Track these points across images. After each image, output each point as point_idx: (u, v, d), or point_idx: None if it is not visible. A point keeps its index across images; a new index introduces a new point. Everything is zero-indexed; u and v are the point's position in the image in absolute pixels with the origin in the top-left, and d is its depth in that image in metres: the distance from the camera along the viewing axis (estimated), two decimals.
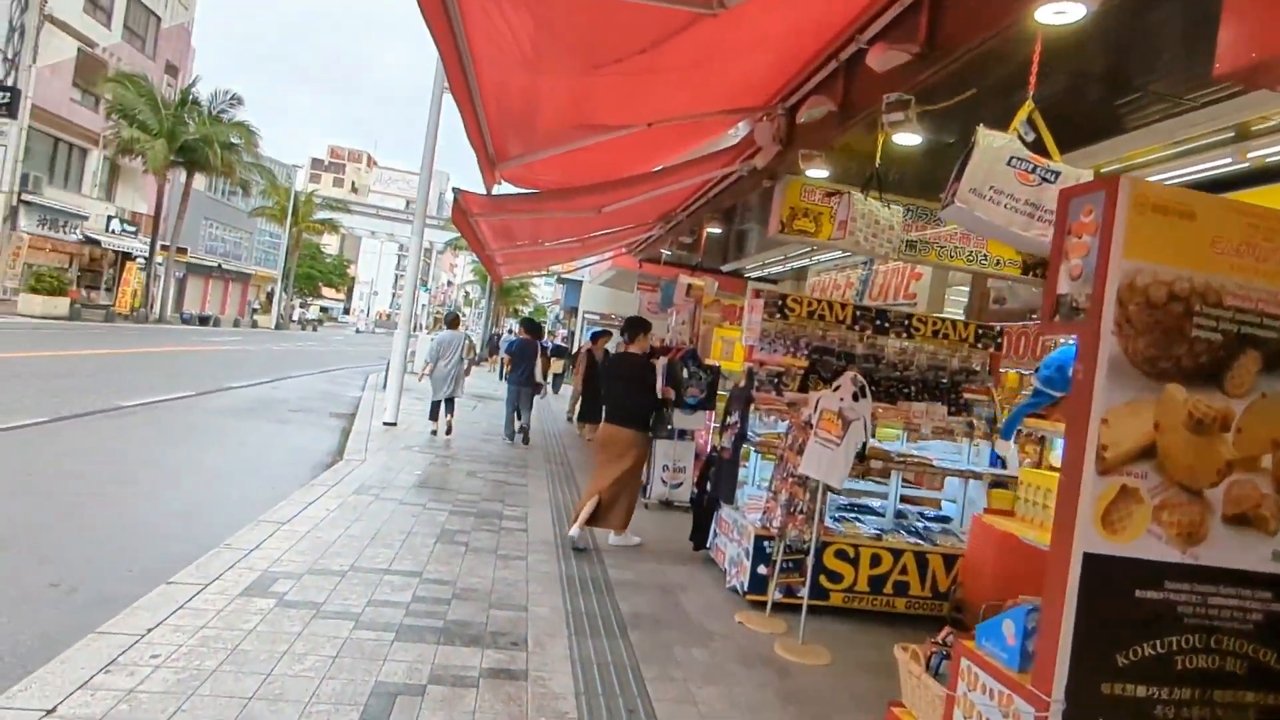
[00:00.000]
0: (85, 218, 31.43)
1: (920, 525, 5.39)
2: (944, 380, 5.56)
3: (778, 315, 5.41)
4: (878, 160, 5.20)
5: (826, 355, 5.38)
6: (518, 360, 11.06)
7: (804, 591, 4.38)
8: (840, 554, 4.80)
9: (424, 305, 77.60)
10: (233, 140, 30.62)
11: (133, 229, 33.71)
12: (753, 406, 5.16)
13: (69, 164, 31.56)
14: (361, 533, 5.27)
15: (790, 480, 4.43)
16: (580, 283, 30.64)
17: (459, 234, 43.44)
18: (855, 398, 4.07)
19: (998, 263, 7.89)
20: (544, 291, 63.15)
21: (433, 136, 10.88)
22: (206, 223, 44.44)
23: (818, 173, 6.59)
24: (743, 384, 5.30)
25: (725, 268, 16.56)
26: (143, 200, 33.49)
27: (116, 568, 4.54)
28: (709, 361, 7.56)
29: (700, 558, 5.76)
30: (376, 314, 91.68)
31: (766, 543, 4.72)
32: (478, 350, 15.41)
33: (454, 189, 6.99)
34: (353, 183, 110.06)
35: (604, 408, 6.17)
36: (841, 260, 11.87)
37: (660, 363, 7.44)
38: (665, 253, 13.14)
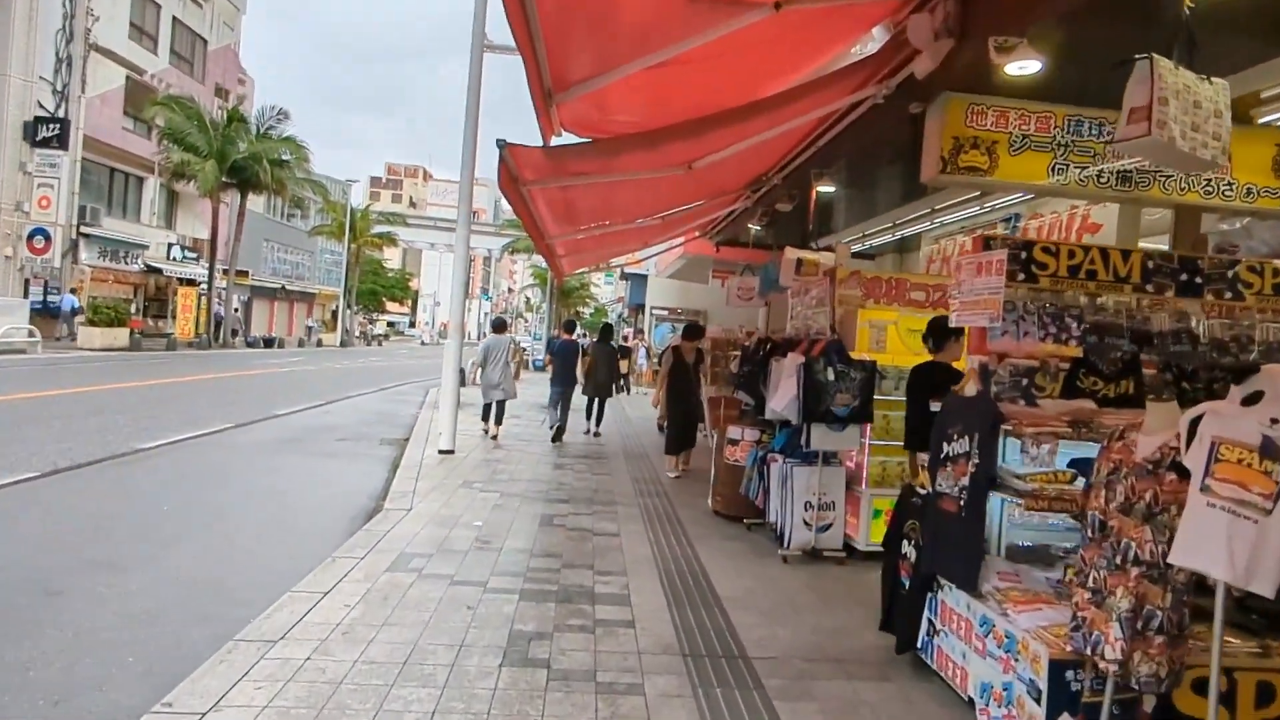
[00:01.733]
0: (146, 246, 31.21)
1: None
2: None
3: (1021, 276, 3.35)
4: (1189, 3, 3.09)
5: (1108, 337, 3.29)
6: (558, 361, 11.29)
7: None
8: (1199, 685, 2.71)
9: (486, 313, 77.27)
10: (283, 156, 29.83)
11: (194, 255, 33.46)
12: (1001, 429, 3.11)
13: (126, 193, 31.40)
14: (388, 658, 3.43)
15: (1136, 574, 2.38)
16: (645, 277, 28.75)
17: (514, 239, 42.15)
18: None
19: (1249, 192, 5.72)
20: (604, 291, 61.61)
21: (473, 115, 8.95)
22: (268, 245, 44.37)
23: (1023, 66, 4.54)
24: (975, 391, 3.25)
25: (819, 244, 14.39)
26: (203, 226, 33.15)
27: None
28: (858, 356, 5.52)
29: (909, 665, 3.73)
30: (441, 325, 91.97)
31: (1073, 673, 2.68)
32: (525, 354, 14.71)
33: (500, 141, 5.14)
34: (410, 197, 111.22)
35: None
36: (972, 218, 9.59)
37: (790, 361, 5.44)
38: (755, 228, 11.08)
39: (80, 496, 6.42)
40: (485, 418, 10.83)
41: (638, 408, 17.10)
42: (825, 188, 8.12)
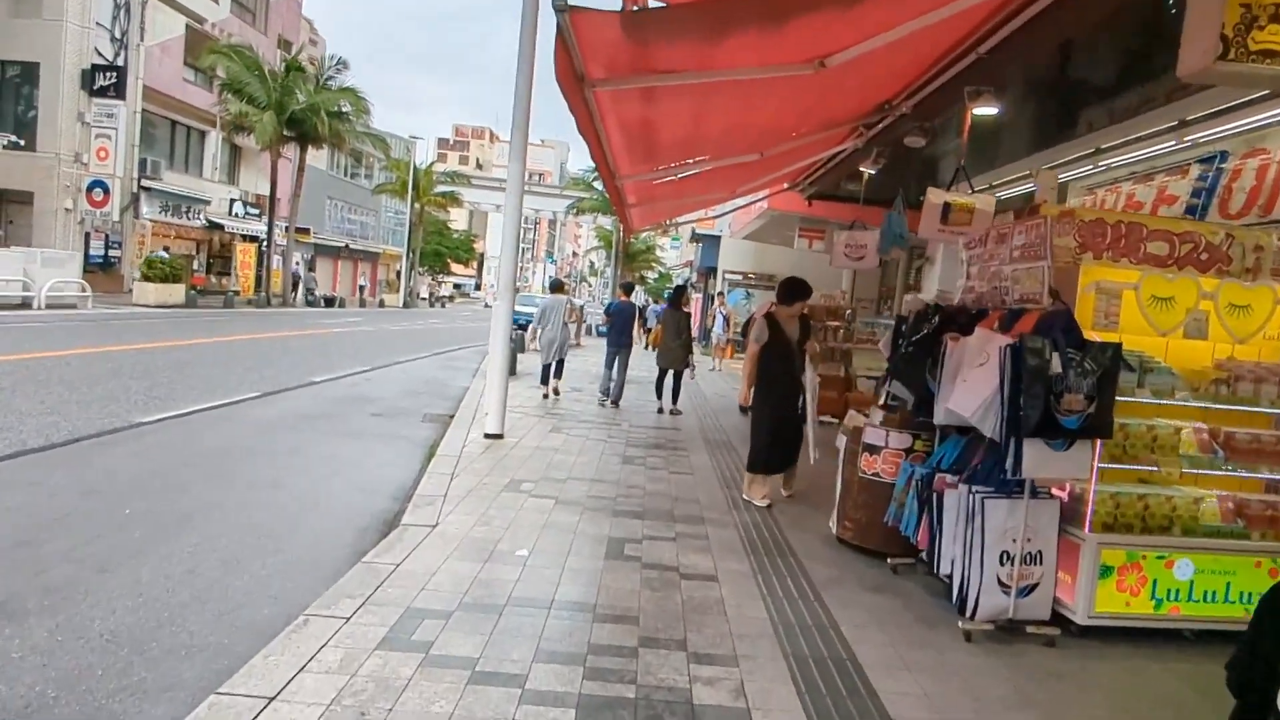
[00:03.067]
0: (208, 202, 30.72)
1: None
2: None
3: None
4: None
5: None
6: (616, 322, 10.93)
7: None
8: None
9: (551, 276, 76.19)
10: (342, 108, 28.68)
11: (256, 211, 32.90)
12: None
13: (188, 147, 30.87)
14: None
15: None
16: (718, 238, 26.72)
17: (579, 198, 40.41)
18: None
19: None
20: (670, 255, 59.52)
21: (528, 57, 7.14)
22: (331, 202, 43.83)
23: None
24: None
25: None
26: (266, 181, 32.50)
27: None
28: (1095, 338, 3.64)
29: None
30: None
31: None
32: (582, 314, 13.73)
33: (557, 5, 3.42)
34: (477, 159, 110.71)
35: None
36: (1151, 158, 7.40)
37: (984, 342, 3.61)
38: (868, 172, 9.09)
39: (27, 492, 5.08)
40: (544, 380, 10.81)
41: (711, 381, 15.35)
42: (986, 110, 6.12)
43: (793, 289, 6.13)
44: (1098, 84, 6.96)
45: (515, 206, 7.39)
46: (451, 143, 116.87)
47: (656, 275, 61.94)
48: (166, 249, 26.23)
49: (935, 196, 6.24)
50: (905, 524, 4.11)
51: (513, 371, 13.42)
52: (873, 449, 4.64)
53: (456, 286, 76.99)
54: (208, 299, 26.81)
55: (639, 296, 51.95)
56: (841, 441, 4.92)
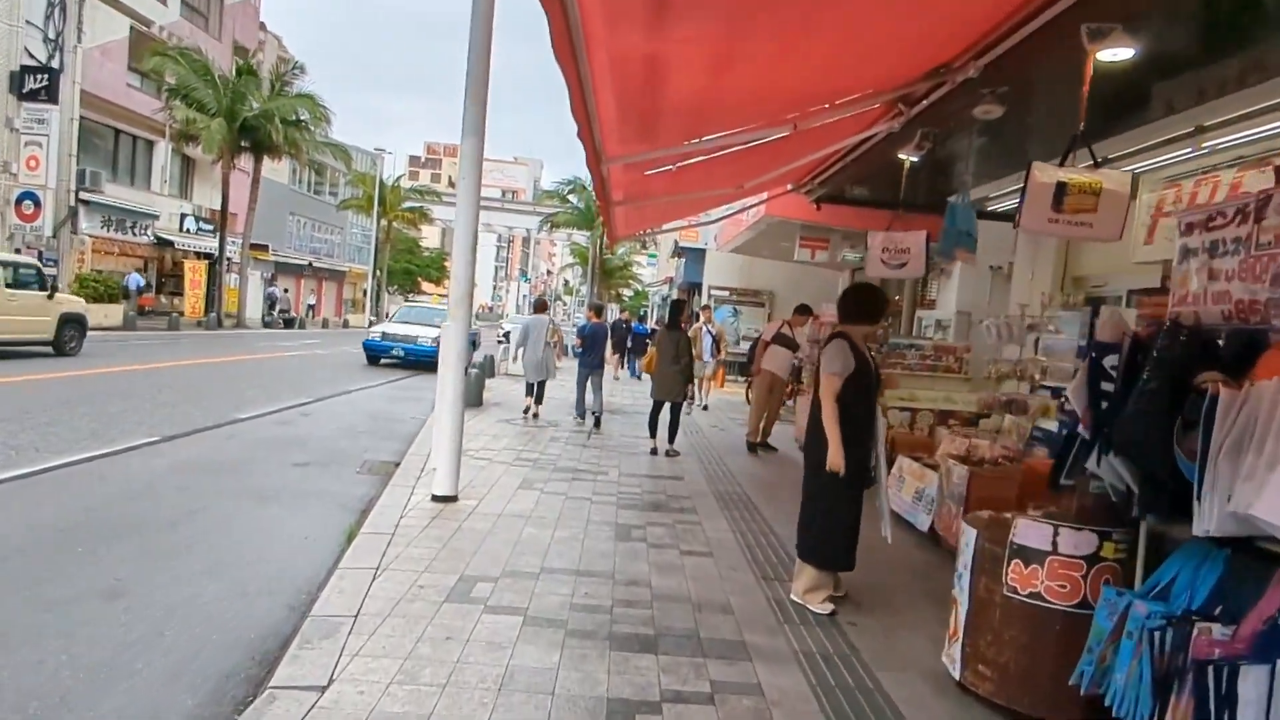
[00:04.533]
0: (156, 216, 28.56)
1: None
2: None
3: None
4: None
5: None
6: (589, 344, 10.73)
7: None
8: None
9: (525, 295, 74.29)
10: (299, 116, 26.78)
11: (210, 227, 30.74)
12: None
13: (134, 158, 28.72)
14: None
15: None
16: (703, 251, 25.13)
17: (554, 211, 38.86)
18: None
19: None
20: (648, 274, 57.92)
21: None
22: (294, 218, 41.77)
23: None
24: None
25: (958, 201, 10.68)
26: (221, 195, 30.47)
27: None
28: None
29: None
30: (480, 306, 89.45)
31: None
32: (562, 335, 13.02)
33: None
34: (449, 176, 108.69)
35: None
36: (1252, 140, 5.74)
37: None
38: (909, 159, 7.46)
39: None
40: (529, 394, 10.78)
41: (713, 409, 13.62)
42: (1116, 51, 4.50)
43: (871, 299, 4.46)
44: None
45: (472, 189, 5.66)
46: (423, 160, 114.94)
47: (632, 293, 60.35)
48: (140, 271, 24.92)
49: (1044, 174, 4.60)
50: (1123, 705, 2.38)
51: (478, 402, 11.63)
52: (1030, 555, 2.93)
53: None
54: (152, 320, 24.65)
55: (612, 314, 50.31)
56: (971, 538, 3.19)
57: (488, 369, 13.79)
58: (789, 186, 11.00)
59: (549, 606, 3.85)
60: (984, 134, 7.03)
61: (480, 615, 3.67)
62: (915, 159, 7.42)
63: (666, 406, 8.76)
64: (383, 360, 17.31)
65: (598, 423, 10.42)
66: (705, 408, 12.49)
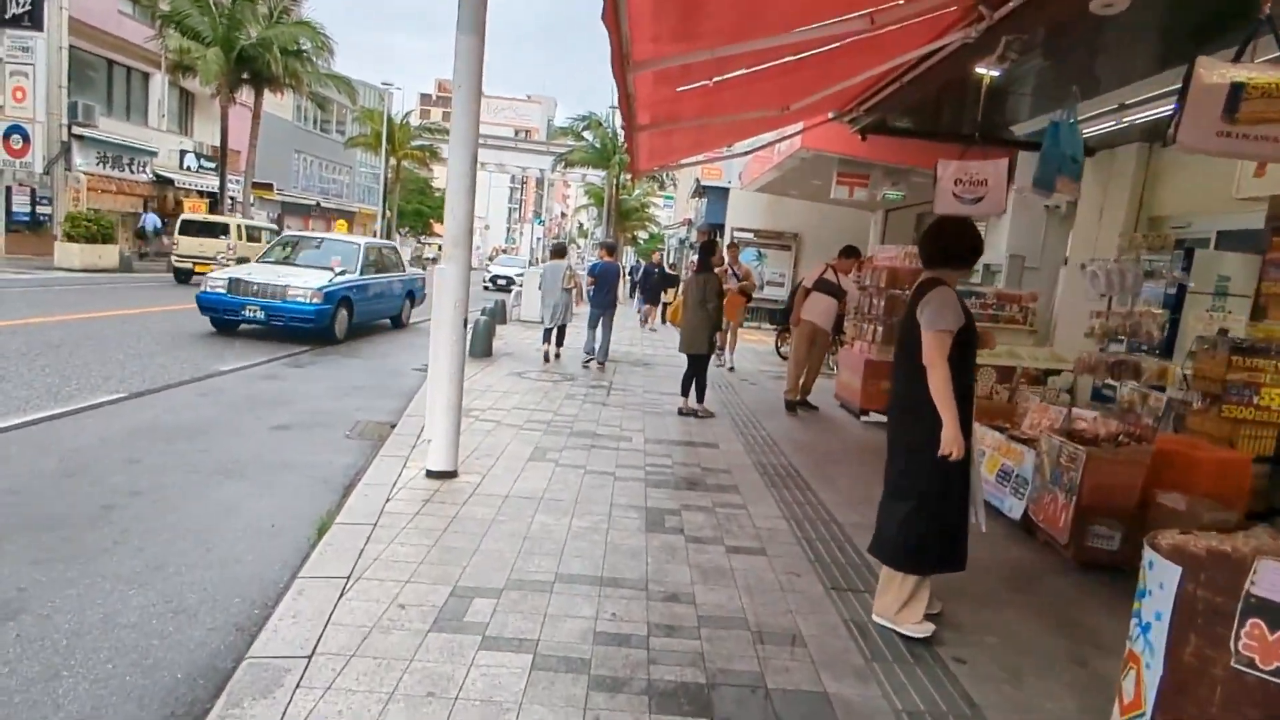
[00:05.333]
0: (154, 153, 27.46)
1: None
2: None
3: None
4: None
5: None
6: (600, 282, 10.68)
7: None
8: None
9: (539, 239, 72.75)
10: (300, 45, 25.31)
11: (212, 165, 29.58)
12: None
13: (129, 91, 27.47)
14: None
15: None
16: (725, 191, 23.76)
17: (568, 149, 37.16)
18: None
19: None
20: (664, 215, 56.24)
21: None
22: (299, 156, 40.49)
23: None
24: None
25: (1020, 130, 9.43)
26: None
27: None
28: None
29: None
30: (492, 249, 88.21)
31: None
32: (579, 280, 12.14)
33: None
34: None
35: None
36: None
37: None
38: (988, 74, 6.27)
39: None
40: (546, 339, 10.82)
41: (737, 359, 12.62)
42: None
43: (970, 238, 3.42)
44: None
45: (469, 99, 4.58)
46: (434, 98, 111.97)
47: (648, 236, 58.81)
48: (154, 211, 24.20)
49: (1213, 72, 3.49)
50: None
51: (488, 353, 10.71)
52: (1275, 612, 1.98)
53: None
54: (151, 262, 23.78)
55: (629, 257, 48.81)
56: (1169, 577, 2.23)
57: (499, 314, 12.83)
58: (830, 115, 9.76)
59: (566, 637, 2.95)
60: (1086, 41, 5.83)
61: (475, 654, 2.77)
62: (996, 73, 6.26)
63: (695, 363, 7.78)
64: (240, 325, 11.04)
65: (601, 365, 10.52)
66: (732, 369, 11.48)
